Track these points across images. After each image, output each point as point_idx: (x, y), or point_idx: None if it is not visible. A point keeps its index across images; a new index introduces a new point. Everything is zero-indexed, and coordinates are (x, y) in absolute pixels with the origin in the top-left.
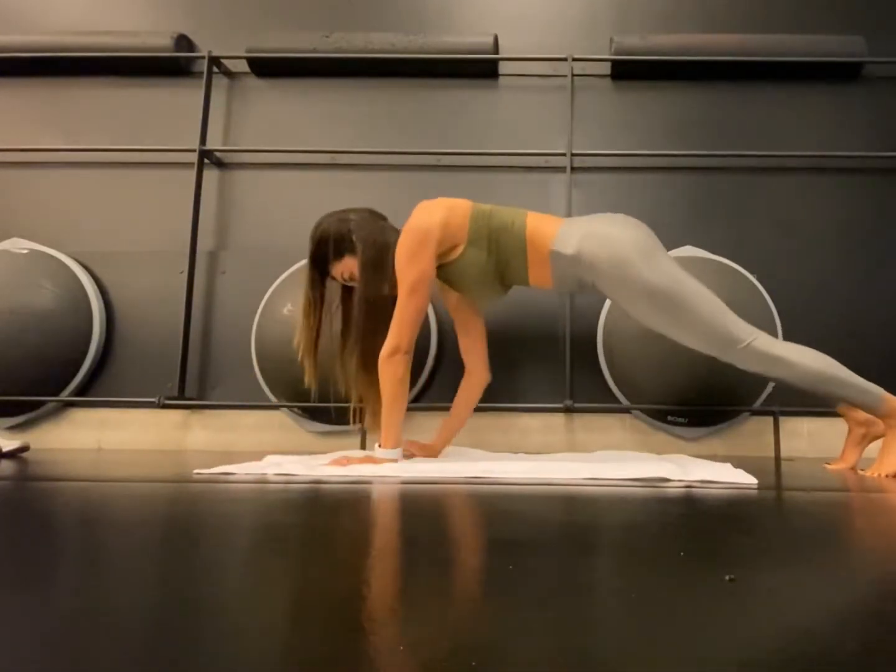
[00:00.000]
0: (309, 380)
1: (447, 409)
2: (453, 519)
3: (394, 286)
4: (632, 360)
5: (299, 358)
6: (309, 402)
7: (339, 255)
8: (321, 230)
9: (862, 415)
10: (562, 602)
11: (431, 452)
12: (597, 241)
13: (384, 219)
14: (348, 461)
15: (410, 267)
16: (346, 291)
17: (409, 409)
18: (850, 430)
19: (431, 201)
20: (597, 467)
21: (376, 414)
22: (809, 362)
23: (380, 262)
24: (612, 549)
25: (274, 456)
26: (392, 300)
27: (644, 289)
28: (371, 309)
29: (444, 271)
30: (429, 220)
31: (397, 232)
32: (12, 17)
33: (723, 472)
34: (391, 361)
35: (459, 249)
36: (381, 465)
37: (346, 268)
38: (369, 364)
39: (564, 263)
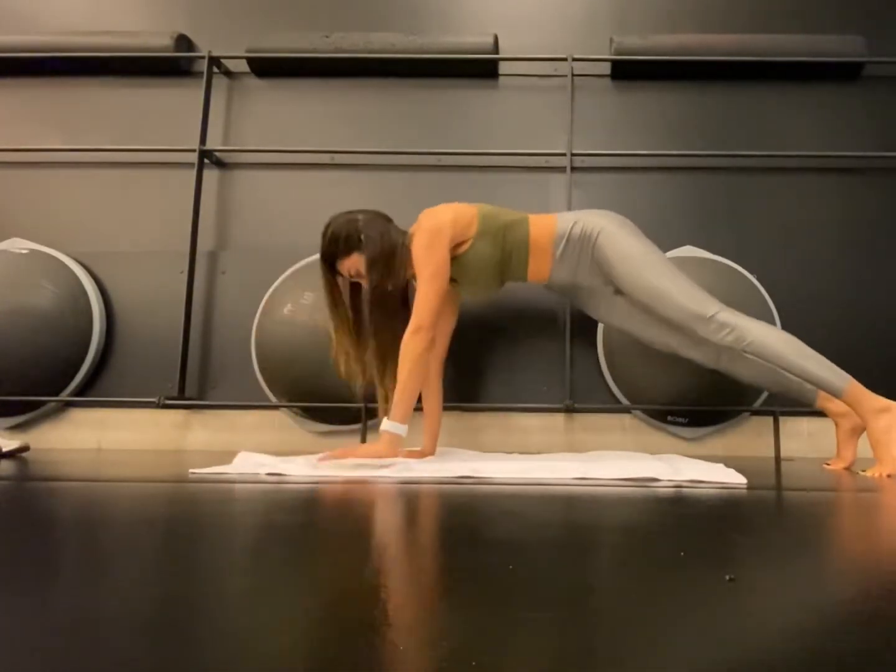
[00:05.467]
0: (353, 375)
1: (447, 408)
2: (450, 519)
3: (400, 281)
4: (632, 360)
5: (336, 359)
6: (309, 401)
7: (348, 252)
8: (332, 229)
9: (842, 406)
10: (562, 602)
11: (423, 457)
12: (594, 214)
13: (390, 220)
14: (347, 453)
15: (428, 258)
16: (353, 288)
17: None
18: (836, 426)
19: (437, 206)
20: (586, 467)
21: (389, 399)
22: (776, 331)
23: (385, 259)
24: (611, 549)
25: (262, 456)
26: (400, 296)
27: (637, 244)
28: (381, 302)
29: (452, 265)
30: (440, 219)
31: (403, 233)
32: (12, 17)
33: (714, 472)
34: (415, 338)
35: (468, 244)
36: (378, 458)
37: (353, 264)
38: (385, 355)
39: (569, 231)
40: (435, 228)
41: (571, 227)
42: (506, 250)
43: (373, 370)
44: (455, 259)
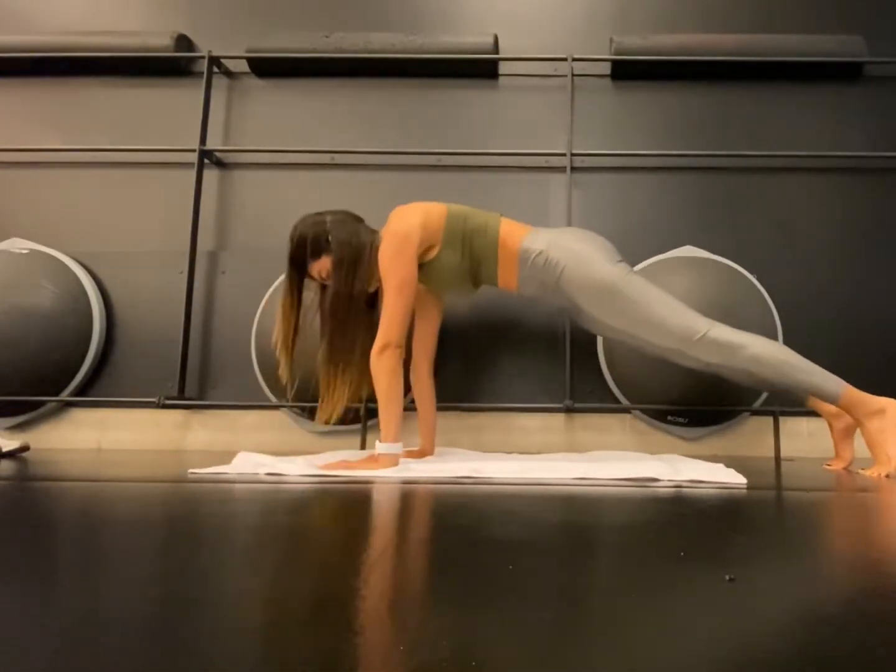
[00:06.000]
0: (283, 374)
1: (447, 409)
2: (450, 519)
3: (368, 284)
4: (632, 360)
5: (276, 353)
6: (309, 401)
7: (317, 254)
8: (299, 231)
9: (832, 406)
10: (562, 602)
11: (423, 457)
12: (564, 241)
13: (360, 220)
14: (347, 465)
15: (395, 268)
16: (324, 291)
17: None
18: (830, 427)
19: (407, 206)
20: (586, 467)
21: (334, 403)
22: (767, 345)
23: (353, 261)
24: (611, 549)
25: (262, 456)
26: (366, 298)
27: (605, 281)
28: (341, 304)
29: (420, 271)
30: (409, 222)
31: (373, 233)
32: (12, 17)
33: (713, 472)
34: (382, 356)
35: (434, 251)
36: (379, 469)
37: (323, 266)
38: (335, 356)
39: (531, 260)
40: (403, 233)
41: (534, 257)
42: (474, 258)
43: (322, 373)
44: (423, 266)
